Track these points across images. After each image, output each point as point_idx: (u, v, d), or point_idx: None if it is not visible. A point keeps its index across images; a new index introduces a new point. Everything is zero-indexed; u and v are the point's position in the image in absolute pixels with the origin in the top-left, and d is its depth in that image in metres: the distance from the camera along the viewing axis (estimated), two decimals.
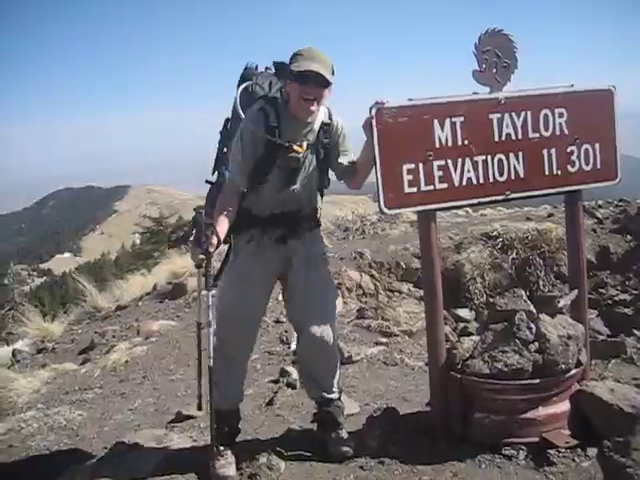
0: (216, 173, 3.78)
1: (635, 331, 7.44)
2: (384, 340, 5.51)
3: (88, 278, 11.54)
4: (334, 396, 3.77)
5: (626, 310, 8.81)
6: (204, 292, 3.45)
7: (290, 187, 3.52)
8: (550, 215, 10.98)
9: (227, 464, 3.53)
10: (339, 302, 6.78)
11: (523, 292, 3.89)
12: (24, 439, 4.87)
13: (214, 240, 3.28)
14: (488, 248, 9.96)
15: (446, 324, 5.96)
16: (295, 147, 3.43)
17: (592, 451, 3.31)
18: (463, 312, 8.42)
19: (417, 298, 8.30)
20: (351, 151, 3.69)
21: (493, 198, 3.70)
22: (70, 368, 6.92)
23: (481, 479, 3.24)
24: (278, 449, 3.76)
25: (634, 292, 9.65)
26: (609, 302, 9.39)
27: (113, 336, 7.80)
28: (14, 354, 8.88)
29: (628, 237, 10.74)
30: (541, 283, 9.76)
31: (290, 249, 3.61)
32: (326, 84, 3.36)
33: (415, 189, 3.49)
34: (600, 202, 12.95)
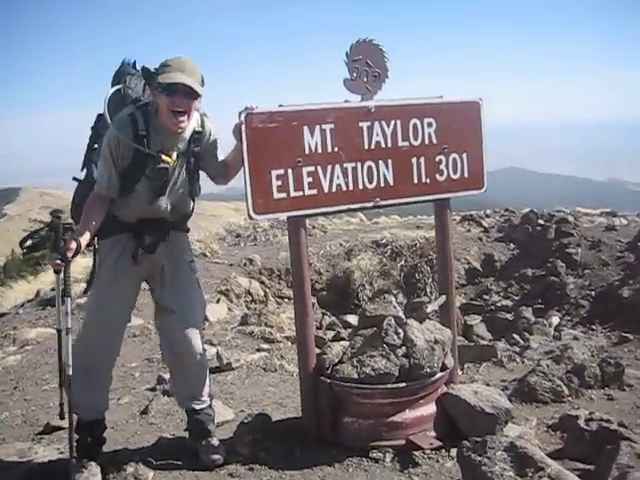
0: (85, 170, 3.66)
1: (515, 335, 7.75)
2: (266, 346, 5.50)
3: None
4: (204, 405, 3.72)
5: (507, 315, 9.16)
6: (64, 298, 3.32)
7: (160, 197, 3.42)
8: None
9: (90, 476, 3.42)
10: (223, 308, 6.75)
11: (393, 298, 3.97)
12: None
13: (72, 245, 3.14)
14: (378, 255, 10.15)
15: (334, 329, 6.03)
16: (164, 157, 3.32)
17: (455, 452, 3.41)
18: (352, 318, 8.51)
19: None
20: (220, 151, 3.64)
21: (362, 205, 3.76)
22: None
23: None
24: (148, 458, 3.69)
25: (515, 298, 10.06)
26: (492, 308, 9.76)
27: None
28: None
29: (511, 245, 11.19)
30: (428, 290, 10.03)
31: (157, 255, 3.52)
32: (195, 96, 3.28)
33: (284, 194, 3.50)
34: (488, 211, 13.45)
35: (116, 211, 3.46)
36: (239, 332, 5.97)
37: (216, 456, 3.58)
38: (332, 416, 3.62)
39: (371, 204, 3.75)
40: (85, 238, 3.27)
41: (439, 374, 3.65)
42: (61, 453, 3.92)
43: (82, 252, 3.34)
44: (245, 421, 3.81)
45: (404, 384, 3.52)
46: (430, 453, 3.48)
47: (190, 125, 3.43)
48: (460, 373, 4.74)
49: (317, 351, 3.76)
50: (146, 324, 6.62)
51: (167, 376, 4.95)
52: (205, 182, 3.68)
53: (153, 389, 4.88)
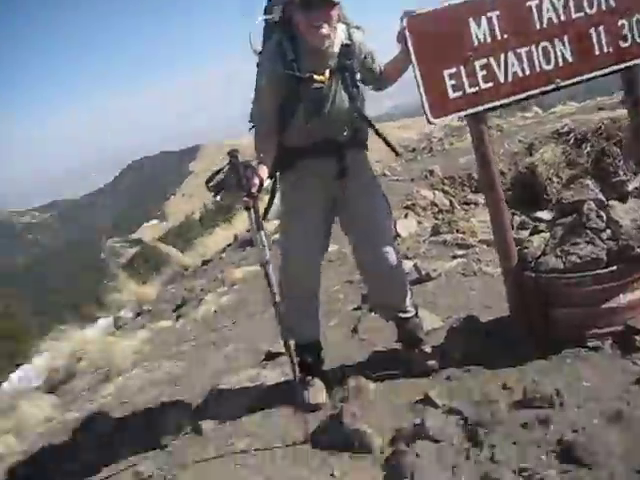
0: None
1: None
2: (461, 253, 5.47)
3: (174, 241, 11.93)
4: (409, 314, 3.79)
5: None
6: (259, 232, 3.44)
7: (323, 119, 3.40)
8: (623, 101, 10.48)
9: (316, 392, 3.64)
10: (412, 222, 6.77)
11: (589, 182, 3.78)
12: (132, 395, 5.16)
13: (256, 180, 3.22)
14: (560, 145, 9.64)
15: (526, 228, 5.86)
16: (316, 77, 3.30)
17: None
18: (543, 214, 8.22)
19: None
20: (377, 59, 3.56)
21: (542, 89, 3.54)
22: (166, 325, 7.23)
23: (567, 373, 3.22)
24: (366, 372, 3.84)
25: None
26: None
27: (201, 290, 8.07)
28: (115, 321, 9.35)
29: None
30: (621, 173, 9.41)
31: (338, 177, 3.54)
32: (331, 4, 3.19)
33: (460, 93, 3.39)
34: None
35: (286, 142, 3.50)
36: (432, 243, 5.98)
37: (431, 362, 3.66)
38: (542, 310, 3.54)
39: (551, 86, 3.53)
40: (264, 172, 3.35)
41: None
42: (286, 375, 4.19)
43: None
44: (454, 325, 3.85)
45: (614, 268, 3.37)
46: None
47: (337, 39, 3.37)
48: None
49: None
50: (341, 249, 6.81)
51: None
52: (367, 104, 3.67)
53: (358, 308, 5.04)
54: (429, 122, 3.42)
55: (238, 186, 3.22)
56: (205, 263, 9.73)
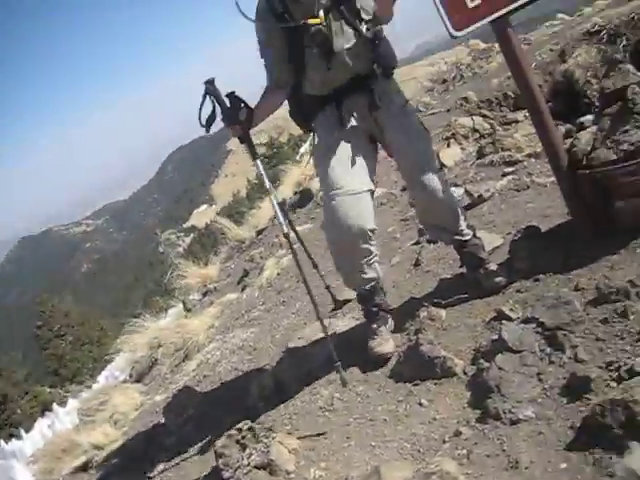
0: None
1: None
2: (510, 169, 5.34)
3: (227, 220, 12.04)
4: (468, 236, 3.73)
5: None
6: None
7: (335, 58, 3.33)
8: None
9: (382, 341, 3.62)
10: (456, 150, 6.66)
11: (630, 66, 3.64)
12: (212, 367, 5.29)
13: (243, 109, 3.20)
14: (594, 46, 9.31)
15: (572, 135, 5.71)
16: (310, 21, 3.20)
17: None
18: (586, 119, 8.00)
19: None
20: None
21: None
22: (233, 298, 7.33)
23: (639, 264, 3.15)
24: (435, 300, 3.84)
25: None
26: None
27: (261, 257, 8.13)
28: (185, 305, 9.53)
29: None
30: None
31: (370, 112, 3.48)
32: None
33: (478, 0, 3.28)
34: None
35: (308, 91, 3.49)
36: (479, 166, 5.87)
37: (498, 278, 3.62)
38: (603, 206, 3.43)
39: None
40: (256, 107, 3.38)
41: None
42: (357, 320, 4.22)
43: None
44: (516, 238, 3.79)
45: None
46: None
47: None
48: None
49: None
50: (390, 190, 6.77)
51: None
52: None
53: (417, 242, 5.01)
54: (452, 37, 3.31)
55: (223, 114, 3.19)
56: (259, 233, 9.78)
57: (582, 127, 7.73)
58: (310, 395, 3.72)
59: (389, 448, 2.92)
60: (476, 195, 4.98)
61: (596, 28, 9.51)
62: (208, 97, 3.30)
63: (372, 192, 3.56)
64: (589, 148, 3.48)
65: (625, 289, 2.92)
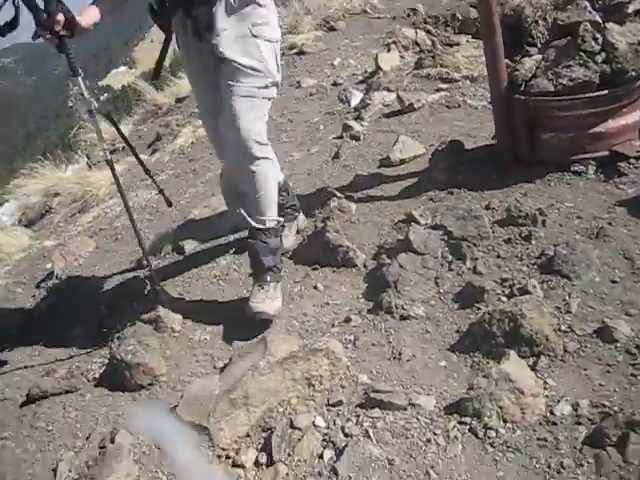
0: None
1: None
2: (445, 86, 5.33)
3: (146, 84, 11.51)
4: (260, 225, 3.06)
5: None
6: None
7: None
8: None
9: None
10: (395, 56, 6.55)
11: (587, 2, 3.63)
12: (110, 222, 5.16)
13: (59, 17, 2.67)
14: None
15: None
16: None
17: None
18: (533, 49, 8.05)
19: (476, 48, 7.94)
20: None
21: None
22: (141, 159, 7.10)
23: (550, 196, 3.24)
24: (347, 194, 3.84)
25: None
26: None
27: (177, 125, 7.88)
28: (89, 157, 9.20)
29: None
30: None
31: (196, 39, 2.88)
32: None
33: None
34: None
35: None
36: (415, 76, 5.81)
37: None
38: (529, 134, 3.49)
39: None
40: (90, 12, 2.87)
41: None
42: None
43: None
44: (439, 149, 3.81)
45: (606, 91, 3.29)
46: (635, 162, 3.30)
47: None
48: None
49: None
50: (321, 82, 6.65)
51: (351, 123, 5.02)
52: None
53: (340, 137, 4.96)
54: None
55: (37, 21, 2.69)
56: (179, 101, 9.45)
57: (527, 55, 7.83)
58: (207, 263, 3.70)
59: (277, 323, 2.96)
60: (407, 103, 4.95)
61: None
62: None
63: None
64: (530, 75, 3.49)
65: (533, 215, 3.02)
